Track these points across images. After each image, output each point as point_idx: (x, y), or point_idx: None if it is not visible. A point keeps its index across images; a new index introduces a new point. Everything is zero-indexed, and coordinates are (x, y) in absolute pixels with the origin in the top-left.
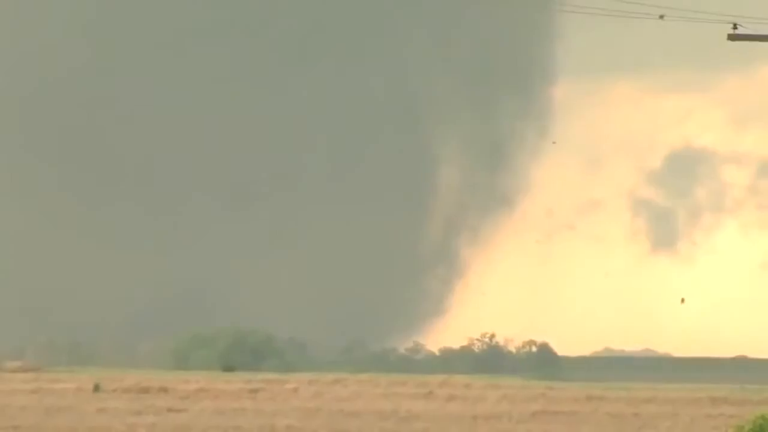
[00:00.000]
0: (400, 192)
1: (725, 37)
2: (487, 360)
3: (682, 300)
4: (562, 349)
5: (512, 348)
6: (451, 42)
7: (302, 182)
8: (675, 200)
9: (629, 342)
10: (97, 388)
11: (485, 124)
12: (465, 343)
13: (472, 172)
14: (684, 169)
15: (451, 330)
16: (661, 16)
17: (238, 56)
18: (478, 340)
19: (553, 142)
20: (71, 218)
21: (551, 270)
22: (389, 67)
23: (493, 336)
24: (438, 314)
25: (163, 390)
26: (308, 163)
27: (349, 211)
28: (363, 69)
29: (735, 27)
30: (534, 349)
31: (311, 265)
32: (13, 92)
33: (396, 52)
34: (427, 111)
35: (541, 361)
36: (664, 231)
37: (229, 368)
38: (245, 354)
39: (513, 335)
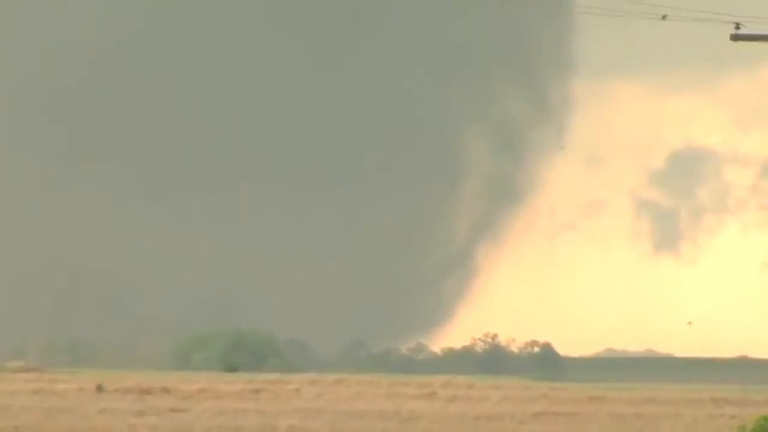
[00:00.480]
0: (410, 194)
1: (728, 37)
2: (490, 360)
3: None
4: (564, 349)
5: (514, 348)
6: (462, 44)
7: (306, 184)
8: (678, 201)
9: (631, 342)
10: (100, 388)
11: (497, 122)
12: (467, 343)
13: (485, 172)
14: (686, 169)
15: (454, 331)
16: (664, 17)
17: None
18: (480, 340)
19: (561, 147)
20: (72, 219)
21: (554, 270)
22: (388, 71)
23: (495, 336)
24: (446, 316)
25: (165, 390)
26: (312, 164)
27: (355, 213)
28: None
29: (737, 27)
30: (536, 349)
31: (314, 266)
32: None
33: (400, 58)
34: (434, 111)
35: (544, 362)
36: (666, 231)
37: (230, 368)
38: (246, 354)
39: (515, 336)
